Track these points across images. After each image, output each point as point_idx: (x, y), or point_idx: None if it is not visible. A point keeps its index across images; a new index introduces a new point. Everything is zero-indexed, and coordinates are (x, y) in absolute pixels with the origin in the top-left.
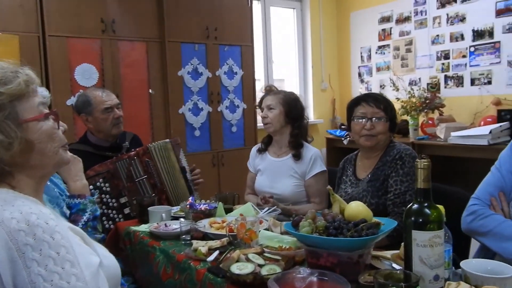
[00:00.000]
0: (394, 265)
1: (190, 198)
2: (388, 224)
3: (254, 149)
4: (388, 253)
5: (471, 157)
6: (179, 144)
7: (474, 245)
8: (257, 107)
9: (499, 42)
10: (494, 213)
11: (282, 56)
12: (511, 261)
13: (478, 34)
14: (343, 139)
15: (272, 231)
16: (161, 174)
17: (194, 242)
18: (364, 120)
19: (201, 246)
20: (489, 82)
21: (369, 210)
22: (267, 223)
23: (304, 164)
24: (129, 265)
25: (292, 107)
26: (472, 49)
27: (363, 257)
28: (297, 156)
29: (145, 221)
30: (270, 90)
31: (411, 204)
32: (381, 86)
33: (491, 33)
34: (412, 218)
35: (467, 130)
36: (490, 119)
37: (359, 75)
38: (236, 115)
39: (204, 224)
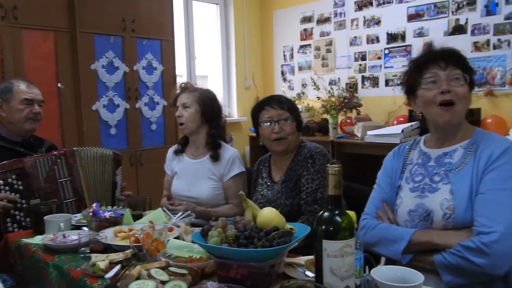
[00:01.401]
0: (308, 273)
1: (94, 205)
2: (300, 230)
3: (171, 150)
4: (302, 260)
5: (385, 155)
6: (120, 160)
7: None
8: (171, 106)
9: (410, 45)
10: (381, 222)
11: (206, 52)
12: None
13: (391, 37)
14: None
15: (183, 239)
16: (82, 181)
17: (93, 255)
18: (271, 123)
19: (101, 260)
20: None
21: (281, 216)
22: (178, 230)
23: (222, 166)
24: (20, 283)
25: (208, 106)
26: (387, 51)
27: (275, 267)
28: (215, 157)
29: (41, 231)
30: (185, 87)
31: (322, 211)
32: (303, 85)
33: (403, 37)
34: (323, 227)
35: (382, 129)
36: (402, 119)
37: (282, 73)
38: (155, 112)
39: (106, 235)
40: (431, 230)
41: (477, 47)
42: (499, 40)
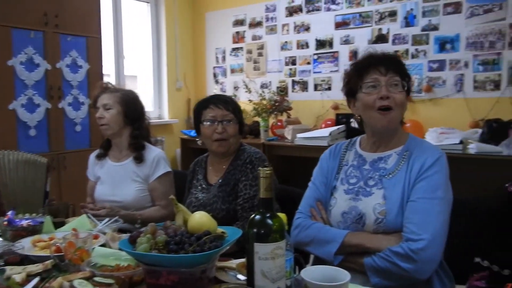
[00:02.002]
0: (239, 276)
1: (9, 213)
2: (232, 234)
3: (93, 155)
4: (233, 263)
5: (313, 157)
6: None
7: None
8: (91, 107)
9: (337, 52)
10: (315, 222)
11: (135, 51)
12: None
13: (320, 44)
14: (197, 139)
15: (110, 247)
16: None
17: (8, 268)
18: (215, 123)
19: (17, 273)
20: (329, 88)
21: (213, 220)
22: (104, 237)
23: (147, 167)
24: None
25: (131, 107)
26: (316, 57)
27: (206, 272)
28: (139, 159)
29: None
30: (106, 88)
31: (253, 215)
32: (235, 88)
33: (331, 43)
34: (255, 230)
35: (311, 132)
36: (329, 122)
37: (214, 75)
38: (80, 113)
39: (23, 245)
40: (362, 233)
41: (397, 55)
42: (416, 50)
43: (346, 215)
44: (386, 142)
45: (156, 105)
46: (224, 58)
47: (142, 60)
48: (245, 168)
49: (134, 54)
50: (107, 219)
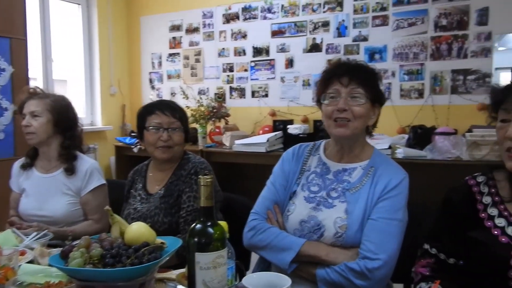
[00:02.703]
0: (179, 287)
1: None
2: (172, 244)
3: (17, 165)
4: (173, 274)
5: (251, 163)
6: None
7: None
8: (16, 113)
9: (274, 59)
10: (271, 226)
11: (65, 55)
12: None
13: (257, 51)
14: (133, 147)
15: (38, 263)
16: None
17: None
18: (160, 130)
19: None
20: (266, 95)
21: (152, 231)
22: (32, 253)
23: (79, 179)
24: None
25: (63, 115)
26: (253, 64)
27: (145, 285)
28: (70, 170)
29: None
30: (34, 93)
31: (194, 224)
32: (172, 94)
33: (267, 51)
34: (195, 239)
35: (249, 138)
36: (267, 128)
37: (150, 81)
38: (3, 119)
39: None
40: (319, 244)
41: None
42: (348, 59)
43: (304, 223)
44: (348, 152)
45: (88, 111)
46: (160, 64)
47: (73, 64)
48: (189, 179)
49: (63, 58)
50: (34, 233)
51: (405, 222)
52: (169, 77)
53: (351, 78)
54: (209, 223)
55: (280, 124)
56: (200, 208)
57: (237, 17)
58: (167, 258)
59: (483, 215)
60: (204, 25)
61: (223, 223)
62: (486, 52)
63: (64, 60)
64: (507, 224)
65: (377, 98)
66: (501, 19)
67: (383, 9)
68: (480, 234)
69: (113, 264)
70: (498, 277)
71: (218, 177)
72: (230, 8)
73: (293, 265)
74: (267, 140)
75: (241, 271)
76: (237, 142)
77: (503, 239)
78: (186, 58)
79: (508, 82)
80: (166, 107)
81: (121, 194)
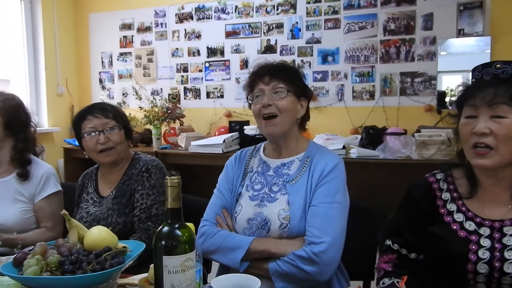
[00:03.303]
0: None
1: None
2: (135, 248)
3: None
4: (135, 278)
5: (208, 165)
6: None
7: None
8: None
9: (228, 60)
10: (220, 230)
11: (7, 53)
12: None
13: (211, 51)
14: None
15: None
16: None
17: None
18: (95, 134)
19: None
20: (222, 96)
21: (113, 235)
22: None
23: (33, 185)
24: None
25: (13, 117)
26: (207, 64)
27: None
28: (24, 176)
29: None
30: None
31: (161, 226)
32: (123, 94)
33: (222, 52)
34: (163, 242)
35: (204, 139)
36: (223, 129)
37: (100, 81)
38: None
39: None
40: (268, 238)
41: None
42: (302, 61)
43: (252, 221)
44: (284, 148)
45: (34, 112)
46: (111, 63)
47: (16, 63)
48: (141, 177)
49: (5, 56)
50: None
51: (346, 204)
52: (121, 77)
53: (272, 76)
54: (176, 225)
55: (236, 125)
56: (167, 210)
57: (191, 17)
58: (132, 261)
59: (442, 210)
60: (157, 24)
61: (190, 225)
62: (432, 55)
63: (6, 58)
64: (465, 219)
65: (301, 92)
66: (444, 25)
67: (335, 12)
68: (439, 229)
69: (73, 271)
70: (457, 271)
71: None
72: (183, 8)
73: (245, 263)
74: (223, 141)
75: (203, 273)
76: (192, 143)
77: (462, 234)
78: (138, 57)
79: (474, 80)
80: (96, 109)
81: (71, 197)
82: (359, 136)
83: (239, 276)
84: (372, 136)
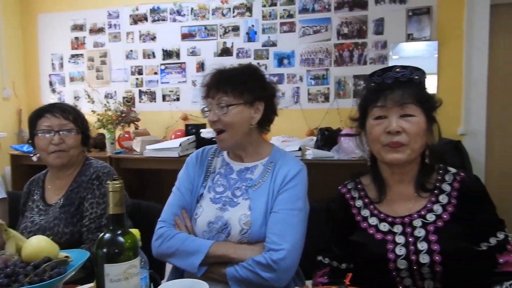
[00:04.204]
0: None
1: None
2: (78, 257)
3: None
4: None
5: (164, 169)
6: None
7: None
8: None
9: (184, 63)
10: (179, 232)
11: None
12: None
13: (167, 54)
14: (31, 155)
15: None
16: None
17: None
18: (51, 134)
19: None
20: (178, 99)
21: (54, 244)
22: None
23: None
24: None
25: None
26: (163, 67)
27: None
28: None
29: None
30: None
31: (102, 233)
32: (75, 98)
33: (178, 54)
34: (104, 250)
35: (160, 143)
36: (179, 133)
37: (50, 84)
38: None
39: None
40: (227, 243)
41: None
42: (258, 63)
43: (212, 224)
44: (245, 155)
45: None
46: (62, 65)
47: None
48: (91, 184)
49: None
50: None
51: (306, 211)
52: (72, 79)
53: (217, 89)
54: (119, 232)
55: (192, 128)
56: (109, 216)
57: (145, 19)
58: (74, 271)
59: (358, 218)
60: (110, 26)
61: (135, 231)
62: (383, 59)
63: None
64: (379, 222)
65: (254, 98)
66: (394, 30)
67: (290, 16)
68: (359, 236)
69: (8, 284)
70: (383, 272)
71: (129, 184)
72: (137, 9)
73: (203, 268)
74: (180, 145)
75: (155, 280)
76: (148, 147)
77: (378, 236)
78: (91, 59)
79: (374, 84)
80: (57, 108)
81: (18, 206)
82: (315, 138)
83: (186, 281)
84: (327, 137)
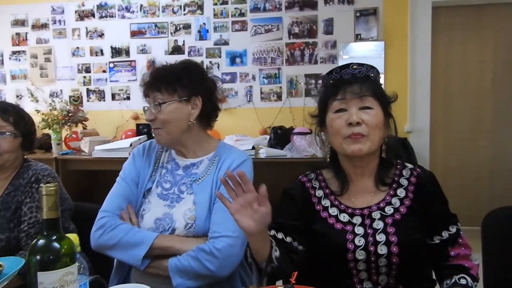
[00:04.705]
0: None
1: None
2: (11, 265)
3: None
4: None
5: (114, 170)
6: None
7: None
8: None
9: (134, 61)
10: (122, 223)
11: None
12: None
13: (116, 51)
14: None
15: None
16: None
17: None
18: None
19: None
20: (128, 98)
21: None
22: None
23: None
24: None
25: None
26: (112, 65)
27: None
28: None
29: None
30: None
31: (35, 240)
32: (17, 96)
33: (127, 52)
34: (37, 257)
35: (110, 143)
36: (130, 133)
37: None
38: None
39: None
40: (173, 235)
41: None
42: (210, 62)
43: (159, 221)
44: (187, 152)
45: None
46: (2, 62)
47: None
48: (29, 188)
49: None
50: None
51: None
52: (14, 77)
53: (152, 87)
54: (54, 237)
55: (144, 128)
56: (43, 220)
57: (92, 15)
58: (7, 280)
59: (318, 207)
60: (54, 21)
61: (72, 236)
62: (333, 58)
63: None
64: (339, 212)
65: (191, 92)
66: (343, 30)
67: (242, 14)
68: (319, 225)
69: None
70: (340, 262)
71: (76, 186)
72: (83, 5)
73: (146, 260)
74: (131, 145)
75: (102, 286)
76: (97, 148)
77: (338, 226)
78: (34, 56)
79: (332, 81)
80: None
81: None
82: (268, 137)
83: (127, 286)
84: (280, 136)
